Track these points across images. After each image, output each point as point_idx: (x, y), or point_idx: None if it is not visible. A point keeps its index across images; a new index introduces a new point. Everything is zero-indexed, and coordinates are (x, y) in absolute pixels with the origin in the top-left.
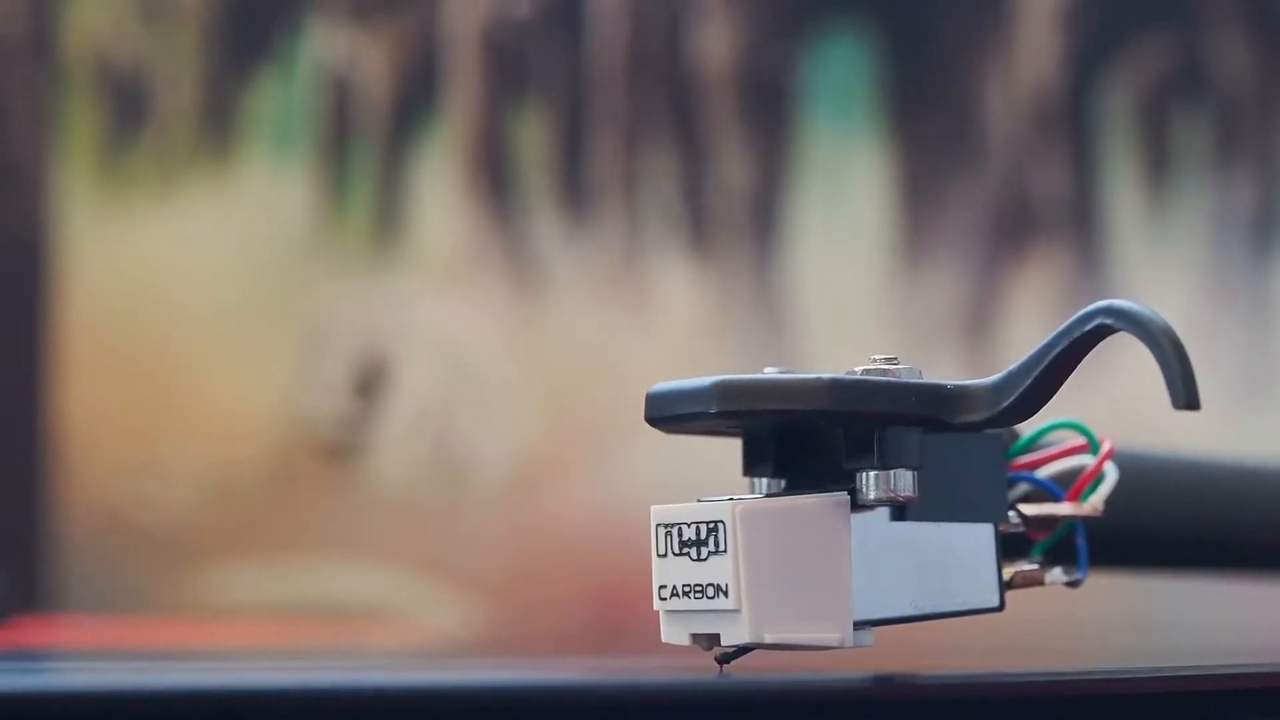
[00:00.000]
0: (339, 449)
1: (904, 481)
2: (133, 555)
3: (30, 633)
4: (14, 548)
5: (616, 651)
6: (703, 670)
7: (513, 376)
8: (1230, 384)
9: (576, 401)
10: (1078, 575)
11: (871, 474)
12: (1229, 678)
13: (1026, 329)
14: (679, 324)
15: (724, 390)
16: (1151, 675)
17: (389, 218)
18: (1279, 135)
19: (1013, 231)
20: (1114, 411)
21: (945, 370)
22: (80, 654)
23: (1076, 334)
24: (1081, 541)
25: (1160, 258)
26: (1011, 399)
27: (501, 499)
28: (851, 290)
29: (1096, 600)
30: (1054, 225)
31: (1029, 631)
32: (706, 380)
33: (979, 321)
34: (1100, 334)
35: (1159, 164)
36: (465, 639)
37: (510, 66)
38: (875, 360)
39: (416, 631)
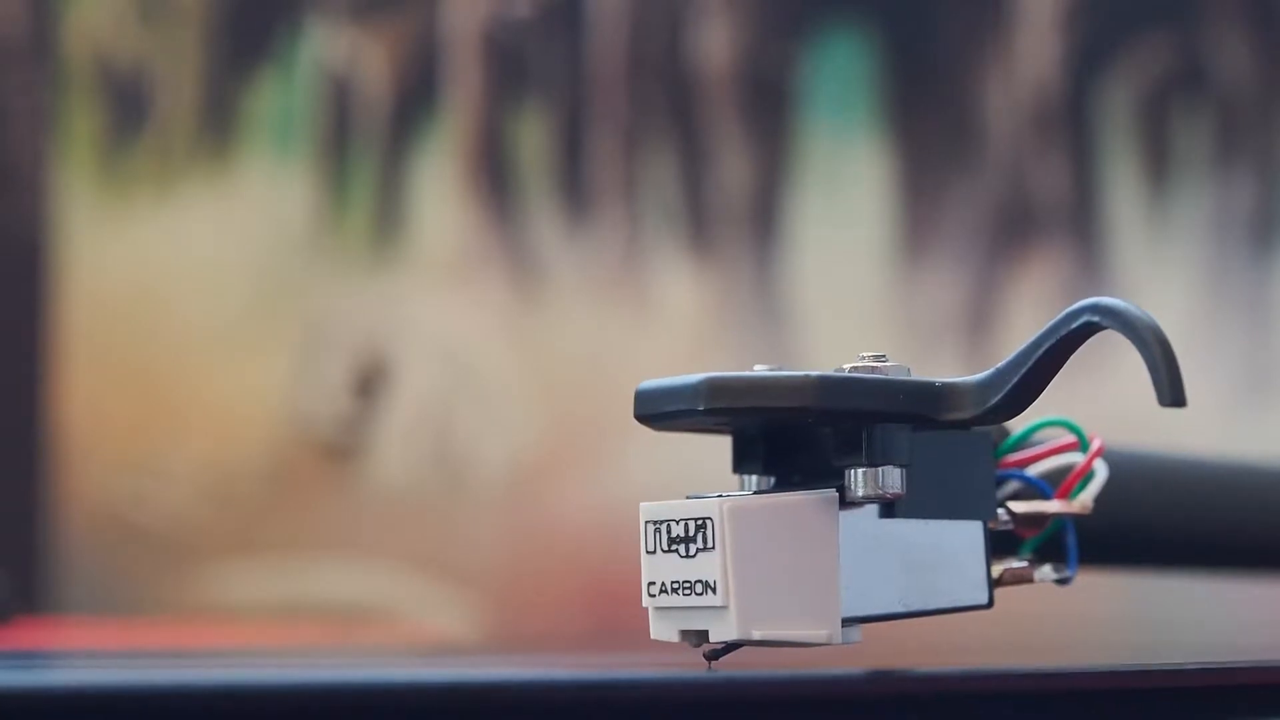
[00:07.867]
0: (339, 449)
1: (892, 479)
2: (133, 555)
3: (30, 633)
4: (14, 548)
5: (613, 649)
6: (691, 667)
7: (512, 376)
8: (1230, 384)
9: (576, 401)
10: (1067, 573)
11: (860, 471)
12: (1219, 674)
13: (1026, 328)
14: (679, 323)
15: (713, 388)
16: (1140, 671)
17: (389, 218)
18: (1279, 135)
19: (1012, 231)
20: (1116, 411)
21: (945, 369)
22: (80, 655)
23: (1063, 331)
24: (1071, 539)
25: (1160, 258)
26: (999, 396)
27: (501, 498)
28: (851, 290)
29: (1085, 598)
30: (1054, 225)
31: (1018, 629)
32: (695, 378)
33: (979, 320)
34: (1087, 332)
35: (1159, 164)
36: (464, 638)
37: (510, 66)
38: (864, 358)
39: (416, 631)
